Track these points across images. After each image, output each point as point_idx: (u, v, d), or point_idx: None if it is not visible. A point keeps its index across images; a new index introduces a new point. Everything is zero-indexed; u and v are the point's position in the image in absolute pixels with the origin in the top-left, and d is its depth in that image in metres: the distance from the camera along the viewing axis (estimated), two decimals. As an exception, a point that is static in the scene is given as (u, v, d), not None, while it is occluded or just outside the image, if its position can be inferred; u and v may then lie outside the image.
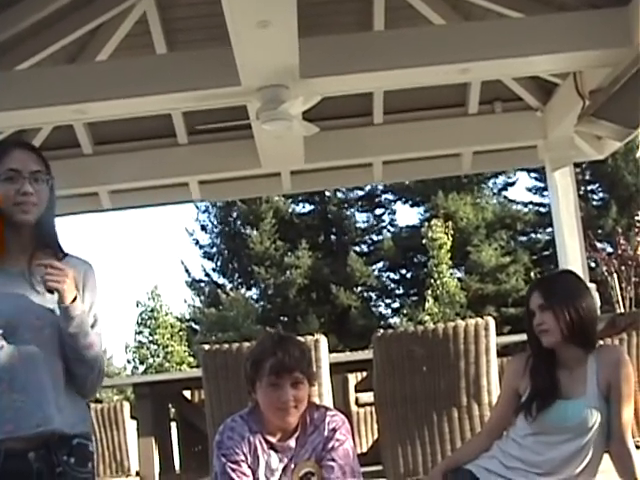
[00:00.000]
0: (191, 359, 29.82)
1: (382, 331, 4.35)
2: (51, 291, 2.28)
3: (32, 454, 2.23)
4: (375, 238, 31.33)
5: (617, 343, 4.93)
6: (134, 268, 60.60)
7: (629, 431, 2.90)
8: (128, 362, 32.81)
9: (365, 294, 30.13)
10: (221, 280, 31.53)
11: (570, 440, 2.87)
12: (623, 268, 12.15)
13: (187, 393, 6.05)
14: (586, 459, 2.88)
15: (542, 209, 28.71)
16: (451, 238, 26.41)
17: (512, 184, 30.90)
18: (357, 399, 6.03)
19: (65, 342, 2.34)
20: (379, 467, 4.35)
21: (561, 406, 2.89)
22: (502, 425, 3.08)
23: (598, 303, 6.35)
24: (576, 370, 2.93)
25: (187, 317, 32.38)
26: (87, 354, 2.36)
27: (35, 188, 2.35)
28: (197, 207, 31.08)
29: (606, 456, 2.97)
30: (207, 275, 31.69)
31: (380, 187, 29.96)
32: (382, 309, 31.07)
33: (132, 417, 6.61)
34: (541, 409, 2.88)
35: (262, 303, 30.40)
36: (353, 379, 5.95)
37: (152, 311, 32.00)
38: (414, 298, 29.44)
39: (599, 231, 24.20)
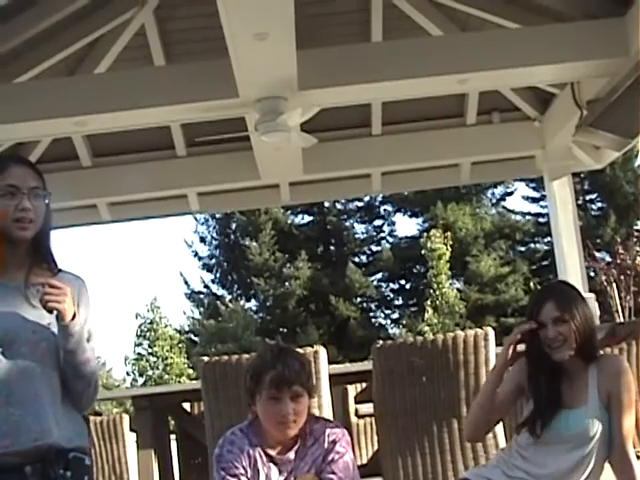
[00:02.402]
0: (190, 371, 29.75)
1: (382, 342, 4.33)
2: (50, 310, 2.28)
3: (29, 468, 2.22)
4: (374, 249, 31.33)
5: (617, 353, 4.93)
6: (133, 280, 60.60)
7: (630, 441, 2.90)
8: (127, 374, 32.77)
9: (364, 305, 30.11)
10: (220, 291, 31.52)
11: (571, 450, 2.86)
12: (622, 277, 12.18)
13: (187, 405, 6.03)
14: (587, 469, 2.87)
15: (541, 219, 28.74)
16: (450, 248, 26.41)
17: (511, 194, 30.97)
18: (357, 410, 6.01)
19: (63, 359, 2.34)
20: (379, 478, 4.33)
21: (562, 416, 2.88)
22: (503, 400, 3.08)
23: (597, 313, 6.36)
24: (577, 380, 2.93)
25: (186, 329, 32.33)
26: (84, 369, 2.37)
27: (33, 204, 2.36)
28: (196, 219, 31.10)
29: (608, 466, 2.96)
30: (206, 287, 31.68)
31: (379, 198, 29.99)
32: (381, 320, 31.05)
33: (131, 430, 6.59)
34: (546, 420, 2.88)
35: (261, 314, 30.36)
36: (353, 390, 5.94)
37: (151, 323, 31.96)
38: (413, 309, 29.42)
39: (598, 241, 24.24)
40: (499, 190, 30.69)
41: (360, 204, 30.89)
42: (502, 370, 3.05)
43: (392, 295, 31.17)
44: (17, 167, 2.41)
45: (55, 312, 2.29)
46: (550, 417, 2.88)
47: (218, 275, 31.54)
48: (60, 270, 2.47)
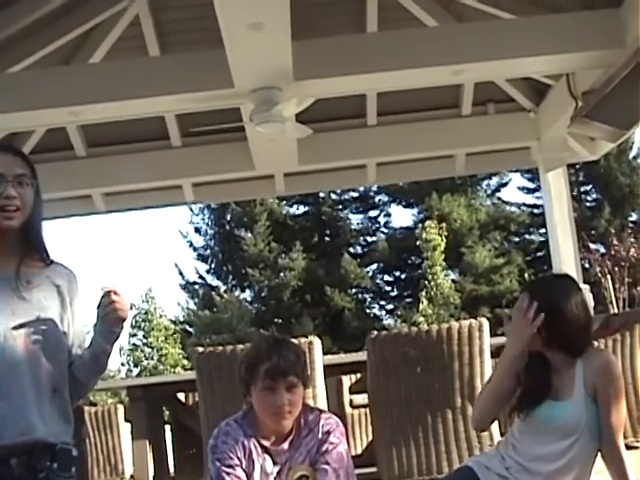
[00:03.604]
0: (185, 362, 29.76)
1: (376, 333, 4.34)
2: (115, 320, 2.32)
3: (14, 460, 2.18)
4: (369, 239, 31.37)
5: (611, 344, 4.95)
6: (128, 271, 60.53)
7: (620, 434, 2.90)
8: (122, 365, 32.73)
9: (359, 296, 30.14)
10: (215, 282, 31.53)
11: (556, 441, 2.88)
12: (616, 269, 12.20)
13: (181, 396, 6.04)
14: (576, 460, 2.88)
15: (536, 210, 28.78)
16: (445, 239, 26.44)
17: (505, 185, 31.00)
18: (351, 401, 6.03)
19: (93, 358, 2.37)
20: (373, 469, 4.35)
21: (549, 407, 2.90)
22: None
23: (591, 304, 6.37)
24: (565, 373, 2.94)
25: (181, 319, 32.34)
26: (105, 366, 2.44)
27: (19, 192, 2.31)
28: (191, 209, 31.09)
29: (599, 458, 2.97)
30: (201, 277, 31.69)
31: (374, 188, 29.99)
32: (376, 311, 31.11)
33: (126, 420, 6.60)
34: (531, 407, 2.89)
35: (256, 305, 30.39)
36: (347, 381, 5.95)
37: (146, 313, 31.94)
38: (408, 300, 29.45)
39: (592, 232, 24.28)
40: (494, 181, 30.74)
41: (355, 195, 30.92)
42: (517, 360, 2.99)
43: (387, 286, 31.22)
44: (2, 155, 2.36)
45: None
46: (536, 399, 2.89)
47: (213, 266, 31.54)
48: (52, 261, 2.43)
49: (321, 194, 29.39)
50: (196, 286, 31.67)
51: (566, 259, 6.78)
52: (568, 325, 2.92)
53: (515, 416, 2.97)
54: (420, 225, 27.62)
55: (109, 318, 2.31)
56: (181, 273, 31.60)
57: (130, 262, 61.05)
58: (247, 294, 30.92)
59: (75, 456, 2.35)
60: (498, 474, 2.95)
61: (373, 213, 31.57)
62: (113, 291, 2.30)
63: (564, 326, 2.92)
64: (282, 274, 28.94)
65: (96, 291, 2.32)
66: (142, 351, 31.90)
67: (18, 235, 2.35)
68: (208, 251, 31.64)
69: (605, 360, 2.96)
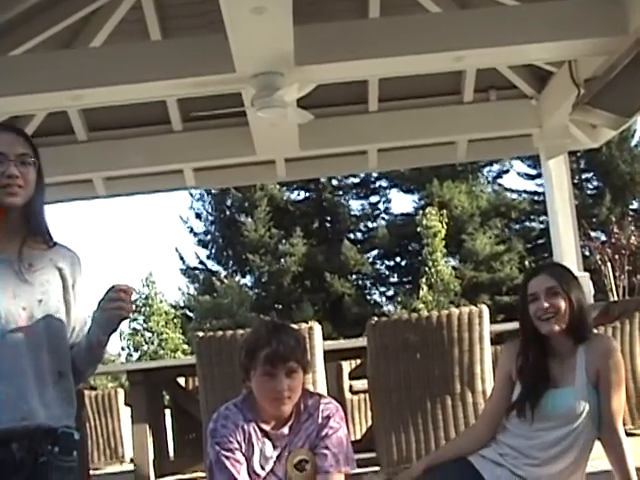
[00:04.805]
0: (185, 346, 29.82)
1: (376, 319, 4.35)
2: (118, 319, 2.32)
3: (15, 444, 2.17)
4: (370, 225, 31.36)
5: (610, 331, 4.95)
6: (128, 255, 60.55)
7: (620, 419, 2.91)
8: (122, 349, 32.78)
9: (359, 282, 30.17)
10: (215, 267, 31.56)
11: (558, 427, 2.88)
12: (617, 257, 12.20)
13: (181, 380, 6.05)
14: (574, 446, 2.89)
15: (537, 197, 28.76)
16: (446, 226, 26.44)
17: (507, 172, 30.96)
18: (351, 386, 6.04)
19: (90, 348, 2.36)
20: (373, 454, 4.36)
21: (550, 395, 2.90)
22: (501, 411, 3.04)
23: (592, 291, 6.38)
24: (566, 359, 2.94)
25: (181, 304, 32.39)
26: (103, 355, 2.44)
27: (21, 171, 2.30)
28: (191, 194, 31.08)
29: (598, 443, 2.98)
30: (201, 262, 31.72)
31: (375, 174, 29.94)
32: (376, 297, 31.15)
33: (126, 404, 6.62)
34: (534, 407, 2.89)
35: (256, 290, 30.42)
36: (347, 367, 5.96)
37: (147, 298, 31.95)
38: (408, 286, 29.47)
39: (593, 220, 24.30)
40: (495, 168, 30.71)
41: (356, 180, 30.88)
42: None
43: (387, 272, 31.25)
44: (4, 134, 2.35)
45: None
46: (538, 398, 2.89)
47: (213, 251, 31.57)
48: (56, 243, 2.41)
49: (322, 180, 29.36)
50: (196, 271, 31.71)
51: (566, 246, 6.79)
52: (583, 310, 2.95)
53: (514, 414, 2.96)
54: (421, 211, 27.61)
55: (111, 313, 2.29)
56: (182, 258, 31.66)
57: (131, 247, 61.13)
58: (247, 279, 30.98)
59: (77, 440, 2.34)
60: (493, 461, 2.95)
61: (374, 199, 31.58)
62: (124, 290, 2.29)
63: (582, 310, 2.93)
64: (282, 260, 28.97)
65: (99, 278, 2.33)
66: (142, 335, 31.95)
67: (20, 216, 2.34)
68: (208, 236, 31.66)
69: (608, 345, 2.98)
